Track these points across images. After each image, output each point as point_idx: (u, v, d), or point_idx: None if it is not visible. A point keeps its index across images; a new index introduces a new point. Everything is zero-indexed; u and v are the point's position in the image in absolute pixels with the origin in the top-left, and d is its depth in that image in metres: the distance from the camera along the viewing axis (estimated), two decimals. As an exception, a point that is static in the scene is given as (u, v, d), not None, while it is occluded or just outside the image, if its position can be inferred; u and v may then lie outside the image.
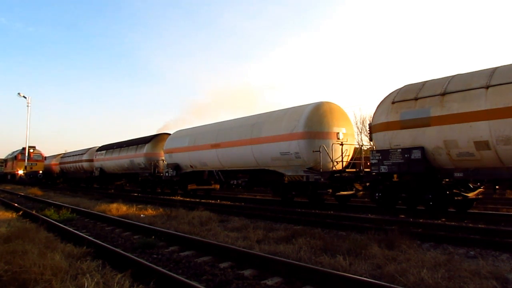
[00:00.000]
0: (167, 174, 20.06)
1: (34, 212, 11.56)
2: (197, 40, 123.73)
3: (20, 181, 40.01)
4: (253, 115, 15.86)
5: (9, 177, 44.60)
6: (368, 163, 11.36)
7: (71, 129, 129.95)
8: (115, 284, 3.95)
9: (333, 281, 4.17)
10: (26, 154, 39.37)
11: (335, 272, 4.38)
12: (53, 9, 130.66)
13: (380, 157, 10.32)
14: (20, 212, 11.57)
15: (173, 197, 17.84)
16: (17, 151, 43.72)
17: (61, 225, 8.69)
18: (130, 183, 28.12)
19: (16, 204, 14.41)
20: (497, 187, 9.52)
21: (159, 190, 24.19)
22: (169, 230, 7.87)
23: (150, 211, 11.73)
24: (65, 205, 13.81)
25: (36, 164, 41.32)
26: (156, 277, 4.36)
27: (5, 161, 49.13)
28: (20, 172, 40.27)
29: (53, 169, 41.80)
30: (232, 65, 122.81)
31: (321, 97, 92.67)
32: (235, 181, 16.21)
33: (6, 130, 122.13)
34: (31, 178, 39.75)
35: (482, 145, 8.39)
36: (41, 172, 41.19)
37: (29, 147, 41.38)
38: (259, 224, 8.66)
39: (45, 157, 43.63)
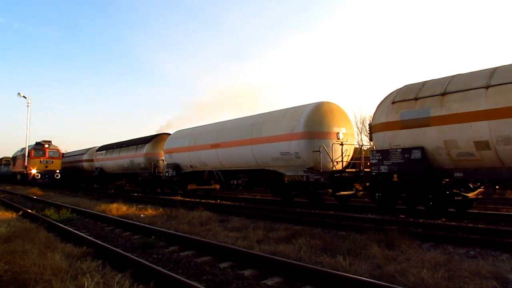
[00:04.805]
0: (167, 174, 20.07)
1: (34, 212, 11.55)
2: (197, 39, 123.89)
3: (33, 182, 32.27)
4: (253, 115, 15.87)
5: (19, 177, 36.14)
6: (368, 163, 11.36)
7: (71, 129, 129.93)
8: (115, 284, 3.95)
9: (333, 281, 4.17)
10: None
11: (335, 272, 4.38)
12: (53, 9, 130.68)
13: (380, 157, 10.32)
14: (20, 212, 11.56)
15: (173, 197, 17.82)
16: (28, 146, 35.08)
17: (61, 225, 8.68)
18: (130, 183, 28.08)
19: (16, 204, 14.39)
20: (497, 187, 9.52)
21: (159, 190, 24.19)
22: (169, 230, 7.86)
23: (150, 211, 11.72)
24: (65, 205, 13.79)
25: (52, 162, 34.15)
26: (156, 277, 4.35)
27: (13, 159, 40.71)
28: (34, 171, 32.83)
29: None
30: (232, 65, 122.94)
31: (321, 97, 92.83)
32: (235, 181, 16.21)
33: (7, 130, 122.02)
34: (46, 179, 32.92)
35: (482, 145, 8.39)
36: (58, 171, 34.28)
37: (45, 141, 34.64)
38: (259, 224, 8.66)
39: (63, 153, 36.80)
